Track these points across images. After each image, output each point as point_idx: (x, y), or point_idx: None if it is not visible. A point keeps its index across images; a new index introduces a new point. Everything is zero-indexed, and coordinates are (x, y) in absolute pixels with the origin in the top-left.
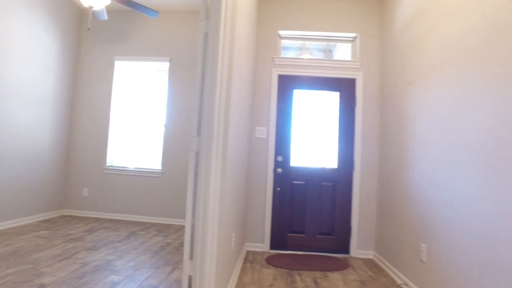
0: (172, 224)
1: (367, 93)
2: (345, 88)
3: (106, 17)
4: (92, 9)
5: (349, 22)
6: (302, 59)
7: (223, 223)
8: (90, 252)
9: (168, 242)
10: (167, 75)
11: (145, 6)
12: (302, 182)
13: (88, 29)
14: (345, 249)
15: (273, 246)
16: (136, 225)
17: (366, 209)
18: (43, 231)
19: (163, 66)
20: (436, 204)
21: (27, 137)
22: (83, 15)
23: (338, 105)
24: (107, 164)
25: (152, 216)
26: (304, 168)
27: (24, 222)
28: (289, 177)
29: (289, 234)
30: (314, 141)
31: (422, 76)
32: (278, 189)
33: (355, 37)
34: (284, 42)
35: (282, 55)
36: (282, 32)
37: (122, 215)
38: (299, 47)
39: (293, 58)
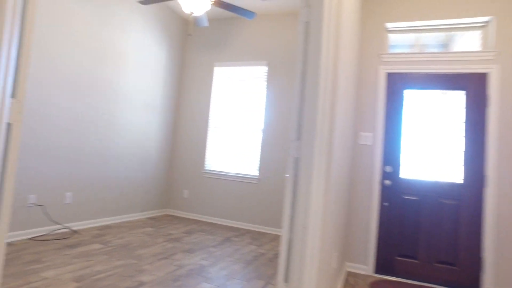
0: (266, 233)
1: (506, 90)
2: (473, 85)
3: (206, 24)
4: (193, 15)
5: (478, 3)
6: (415, 53)
7: (325, 241)
8: (186, 254)
9: (262, 252)
10: (265, 80)
11: (242, 8)
12: (414, 198)
13: (189, 35)
14: (474, 286)
15: (378, 269)
16: (231, 231)
17: (506, 238)
18: (149, 228)
19: (261, 71)
20: None
21: (140, 140)
22: (187, 25)
23: (464, 106)
24: (206, 168)
25: (247, 223)
26: (417, 181)
27: (135, 217)
28: (399, 190)
29: (397, 258)
30: (431, 150)
31: None
32: (386, 204)
33: (487, 22)
34: (391, 39)
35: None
36: (390, 25)
37: (218, 219)
38: (410, 44)
39: (404, 53)
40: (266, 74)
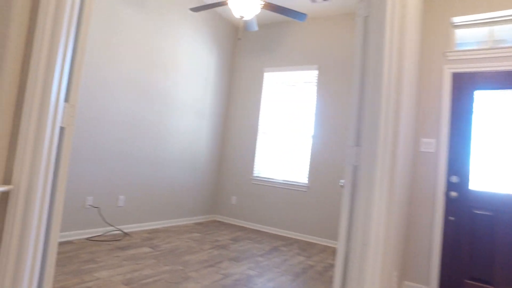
0: (315, 243)
1: None
2: None
3: (256, 28)
4: (243, 19)
5: None
6: (488, 48)
7: (386, 260)
8: (232, 263)
9: (311, 264)
10: (315, 85)
11: (293, 10)
12: (487, 213)
13: (239, 39)
14: None
15: None
16: (279, 240)
17: None
18: (196, 234)
19: (311, 75)
20: None
21: (190, 146)
22: (236, 30)
23: None
24: (254, 175)
25: (296, 232)
26: (491, 194)
27: (183, 222)
28: (468, 204)
29: (467, 281)
30: (508, 159)
31: None
32: (451, 218)
33: None
34: (457, 35)
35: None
36: (457, 19)
37: (266, 227)
38: (480, 41)
39: (475, 50)
40: (317, 78)
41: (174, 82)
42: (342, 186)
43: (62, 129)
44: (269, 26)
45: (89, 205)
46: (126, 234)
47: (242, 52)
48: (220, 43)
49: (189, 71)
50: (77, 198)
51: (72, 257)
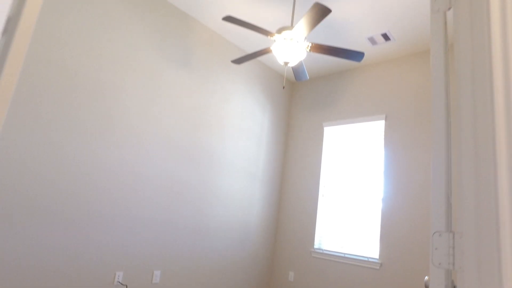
0: None
1: None
2: None
3: (307, 77)
4: (288, 65)
5: None
6: None
7: None
8: None
9: None
10: (383, 137)
11: (346, 49)
12: None
13: (283, 88)
14: None
15: None
16: None
17: None
18: None
19: (378, 126)
20: None
21: (240, 211)
22: (292, 87)
23: None
24: (315, 247)
25: None
26: None
27: None
28: None
29: None
30: None
31: None
32: None
33: None
34: None
35: None
36: None
37: None
38: None
39: None
40: (384, 129)
41: (222, 142)
42: None
43: None
44: (326, 77)
45: (118, 281)
46: None
47: (299, 107)
48: (273, 98)
49: (239, 129)
50: (105, 273)
51: None
